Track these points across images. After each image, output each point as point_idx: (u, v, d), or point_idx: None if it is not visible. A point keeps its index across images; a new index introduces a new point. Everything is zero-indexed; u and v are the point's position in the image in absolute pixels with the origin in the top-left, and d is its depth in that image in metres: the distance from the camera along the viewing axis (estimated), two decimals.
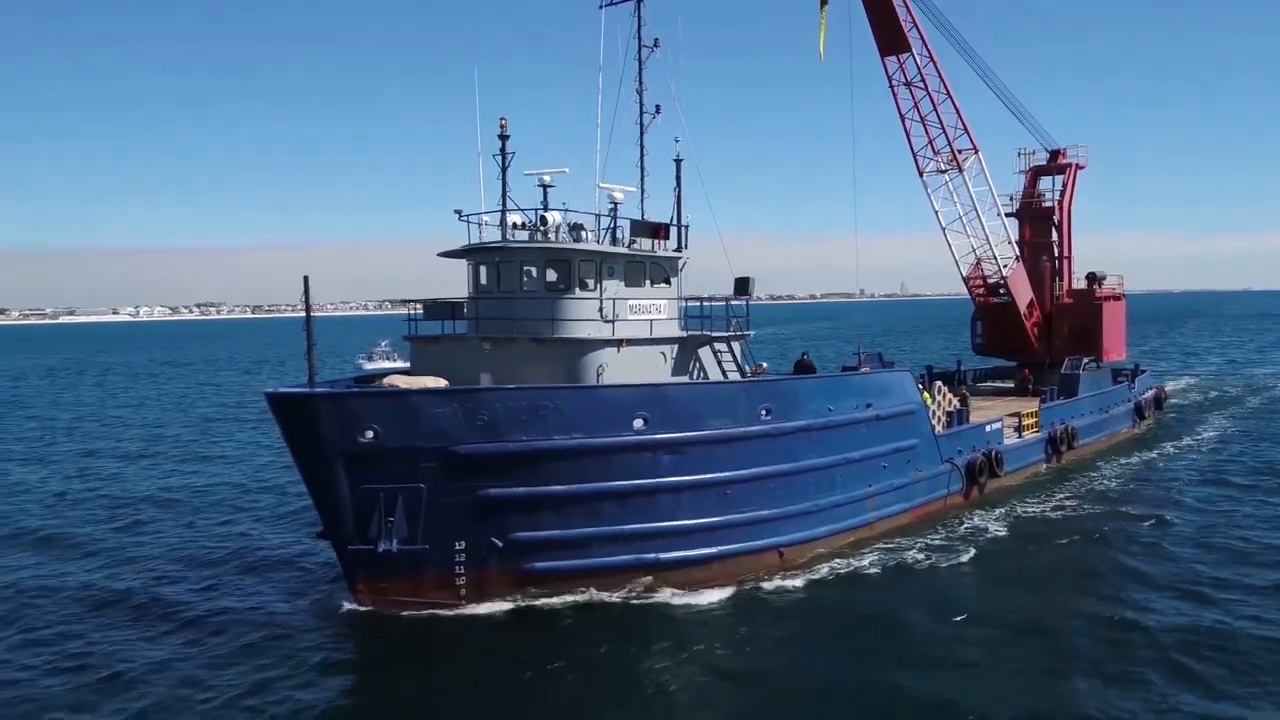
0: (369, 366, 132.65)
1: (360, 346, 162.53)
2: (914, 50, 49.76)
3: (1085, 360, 52.08)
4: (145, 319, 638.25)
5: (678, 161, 33.09)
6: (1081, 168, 58.48)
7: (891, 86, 50.86)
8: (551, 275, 30.25)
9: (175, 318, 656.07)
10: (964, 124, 51.45)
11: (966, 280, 55.54)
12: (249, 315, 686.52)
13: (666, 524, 28.26)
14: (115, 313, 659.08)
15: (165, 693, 21.30)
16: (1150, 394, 59.53)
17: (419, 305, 32.20)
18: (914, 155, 52.15)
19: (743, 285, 32.94)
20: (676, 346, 31.12)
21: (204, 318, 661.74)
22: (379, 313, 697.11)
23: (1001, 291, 54.47)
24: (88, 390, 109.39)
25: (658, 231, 31.68)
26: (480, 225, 31.25)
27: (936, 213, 52.86)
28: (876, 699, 20.62)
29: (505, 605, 26.53)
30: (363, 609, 26.30)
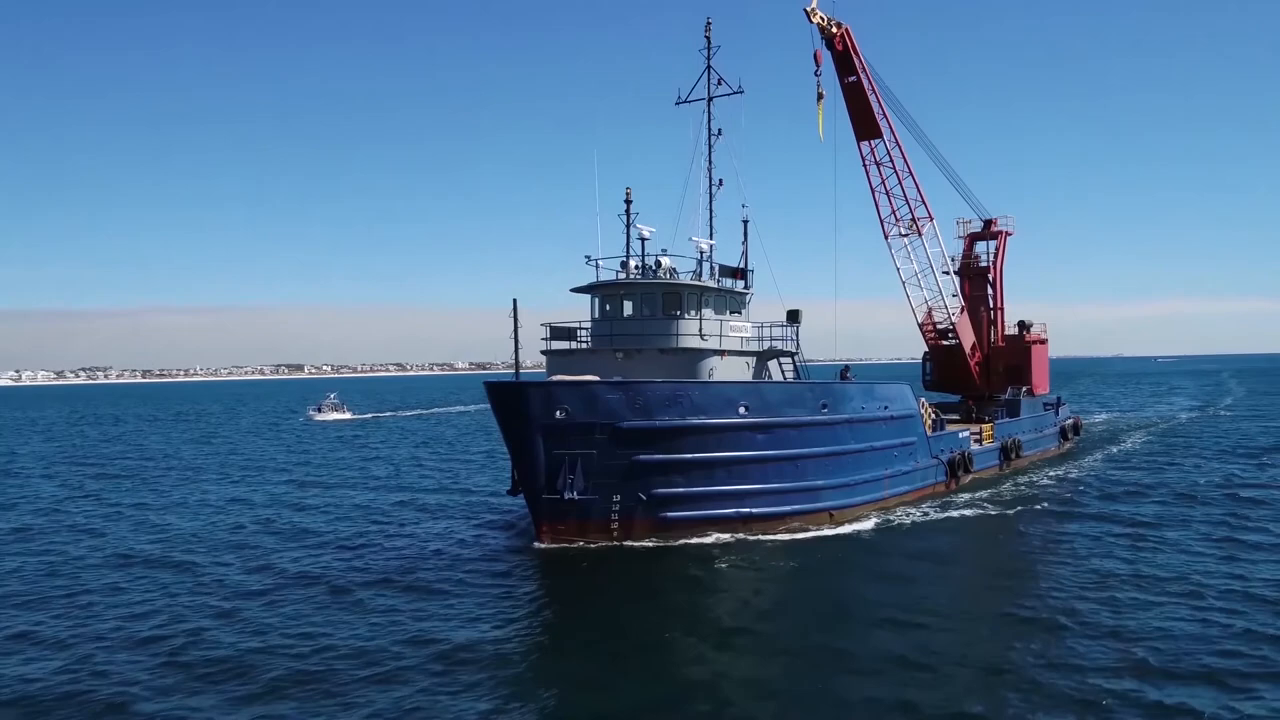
0: (319, 418, 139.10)
1: (278, 409, 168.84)
2: (884, 137, 61.04)
3: (1023, 389, 63.89)
4: (28, 383, 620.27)
5: (745, 222, 43.65)
6: (1010, 234, 70.59)
7: (865, 166, 62.05)
8: (663, 304, 40.14)
9: (60, 382, 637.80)
10: (922, 197, 62.85)
11: (921, 326, 66.65)
12: (138, 379, 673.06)
13: (757, 486, 38.25)
14: None
15: (422, 594, 29.93)
16: (1071, 421, 71.99)
17: (549, 327, 41.74)
18: (881, 221, 63.28)
19: (793, 315, 43.30)
20: (755, 358, 41.49)
21: (90, 382, 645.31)
22: (275, 377, 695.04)
23: (950, 335, 65.75)
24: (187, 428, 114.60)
25: (737, 274, 42.17)
26: (597, 266, 41.15)
27: (898, 269, 64.02)
28: (887, 606, 27.94)
29: (645, 543, 35.88)
30: (545, 545, 35.55)
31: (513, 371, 36.18)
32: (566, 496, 35.00)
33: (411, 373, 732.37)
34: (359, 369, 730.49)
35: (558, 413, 34.64)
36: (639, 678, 22.09)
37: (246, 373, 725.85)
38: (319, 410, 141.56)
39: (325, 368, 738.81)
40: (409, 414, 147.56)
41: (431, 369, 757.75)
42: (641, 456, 35.89)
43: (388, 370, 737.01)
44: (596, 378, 36.47)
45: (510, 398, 34.92)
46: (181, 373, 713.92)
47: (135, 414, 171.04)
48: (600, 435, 35.10)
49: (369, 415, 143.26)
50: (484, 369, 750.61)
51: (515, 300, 35.30)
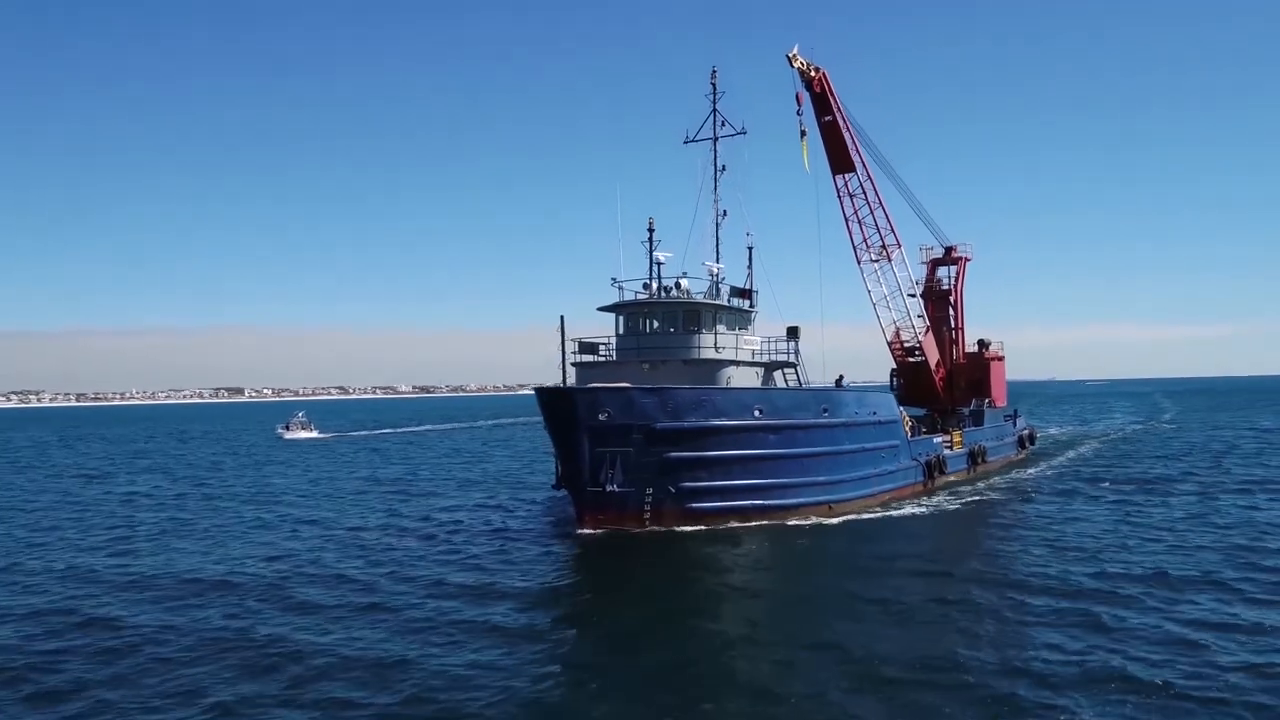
0: (289, 436, 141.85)
1: (246, 430, 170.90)
2: (857, 171, 66.56)
3: (986, 400, 69.86)
4: None
5: (750, 249, 49.07)
6: (969, 260, 76.59)
7: (839, 197, 67.51)
8: (684, 321, 45.23)
9: None
10: (891, 225, 68.39)
11: (890, 344, 72.21)
12: (73, 403, 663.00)
13: (769, 481, 43.32)
14: None
15: (485, 569, 34.52)
16: (1027, 431, 78.29)
17: (576, 341, 46.53)
18: (854, 248, 68.70)
19: (793, 331, 48.52)
20: (763, 368, 46.73)
21: (23, 405, 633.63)
22: (215, 400, 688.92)
23: (917, 353, 71.37)
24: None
25: (744, 294, 47.44)
26: (621, 288, 46.17)
27: (869, 292, 69.58)
28: (873, 581, 32.08)
29: (672, 529, 40.74)
30: (587, 532, 40.31)
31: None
32: (608, 489, 39.77)
33: (354, 395, 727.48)
34: (300, 392, 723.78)
35: (601, 415, 39.45)
36: (666, 641, 25.56)
37: (185, 396, 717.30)
38: (288, 429, 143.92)
39: (266, 391, 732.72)
40: (379, 433, 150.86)
41: (375, 392, 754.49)
42: (671, 454, 40.77)
43: (330, 393, 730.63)
44: (630, 385, 41.35)
45: (560, 402, 39.70)
46: (118, 396, 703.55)
47: (119, 434, 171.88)
48: (637, 435, 39.92)
49: (336, 434, 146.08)
50: (427, 392, 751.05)
51: (562, 317, 40.29)
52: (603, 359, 47.06)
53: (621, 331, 46.72)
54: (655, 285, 45.89)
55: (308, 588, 32.20)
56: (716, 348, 44.87)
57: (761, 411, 42.60)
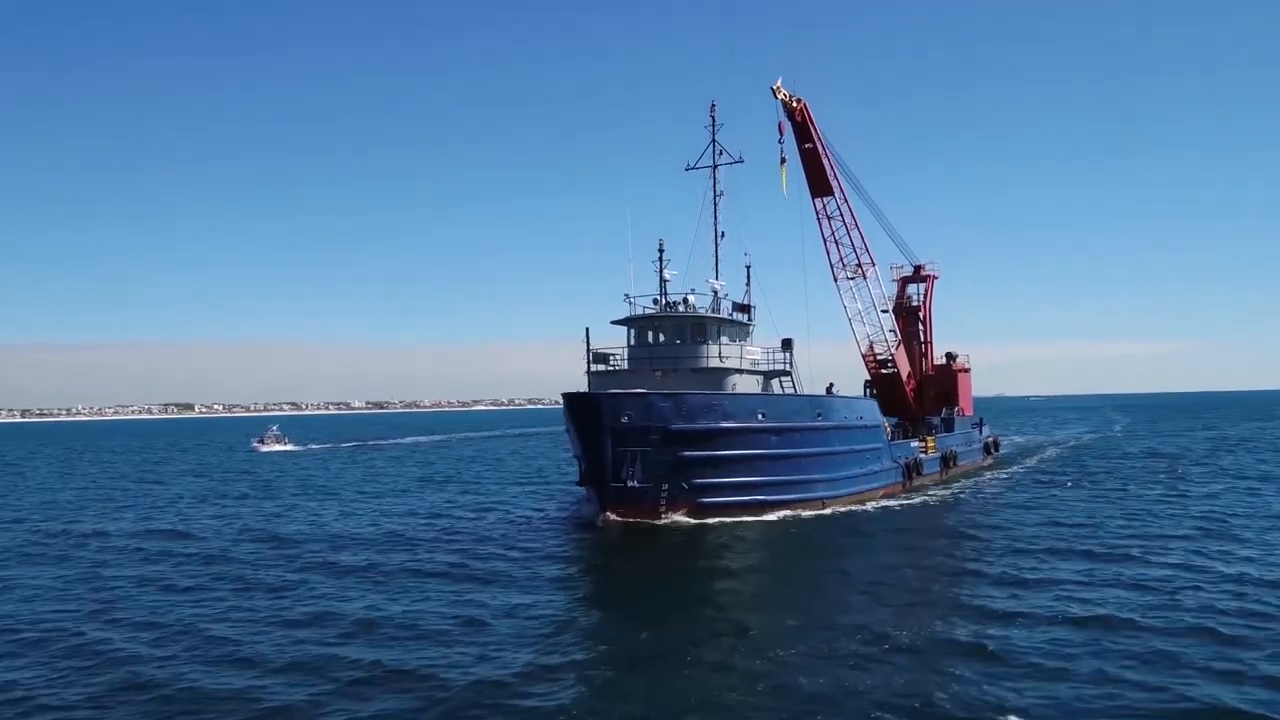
0: (264, 449, 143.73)
1: (222, 444, 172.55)
2: (835, 194, 71.10)
3: (956, 409, 74.80)
4: None
5: (748, 267, 53.43)
6: (936, 278, 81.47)
7: (818, 219, 71.93)
8: (691, 333, 49.43)
9: None
10: (866, 245, 72.93)
11: (864, 357, 76.65)
12: (18, 419, 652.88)
13: (770, 478, 47.55)
14: None
15: (519, 558, 38.24)
16: (991, 439, 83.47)
17: (592, 352, 50.53)
18: (830, 266, 73.16)
19: (787, 343, 52.83)
20: (762, 376, 51.05)
21: None
22: (165, 416, 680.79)
23: (889, 365, 75.96)
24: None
25: (744, 309, 51.79)
26: (631, 302, 50.29)
27: (845, 308, 74.08)
28: (861, 565, 36.17)
29: (684, 521, 44.72)
30: (609, 523, 44.20)
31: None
32: (629, 485, 43.73)
33: (308, 411, 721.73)
34: (252, 408, 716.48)
35: (623, 418, 43.45)
36: (677, 617, 28.36)
37: (133, 412, 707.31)
38: (263, 442, 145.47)
39: (217, 406, 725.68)
40: (358, 445, 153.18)
41: (327, 408, 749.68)
42: (685, 453, 44.79)
43: (282, 409, 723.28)
44: (646, 390, 45.39)
45: (586, 406, 43.70)
46: (64, 412, 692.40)
47: (113, 447, 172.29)
48: (654, 436, 43.90)
49: (309, 446, 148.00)
50: (381, 408, 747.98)
51: (588, 329, 44.43)
52: (613, 368, 51.02)
53: (633, 343, 50.79)
54: (663, 300, 50.04)
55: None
56: (721, 357, 49.07)
57: (764, 415, 46.83)
